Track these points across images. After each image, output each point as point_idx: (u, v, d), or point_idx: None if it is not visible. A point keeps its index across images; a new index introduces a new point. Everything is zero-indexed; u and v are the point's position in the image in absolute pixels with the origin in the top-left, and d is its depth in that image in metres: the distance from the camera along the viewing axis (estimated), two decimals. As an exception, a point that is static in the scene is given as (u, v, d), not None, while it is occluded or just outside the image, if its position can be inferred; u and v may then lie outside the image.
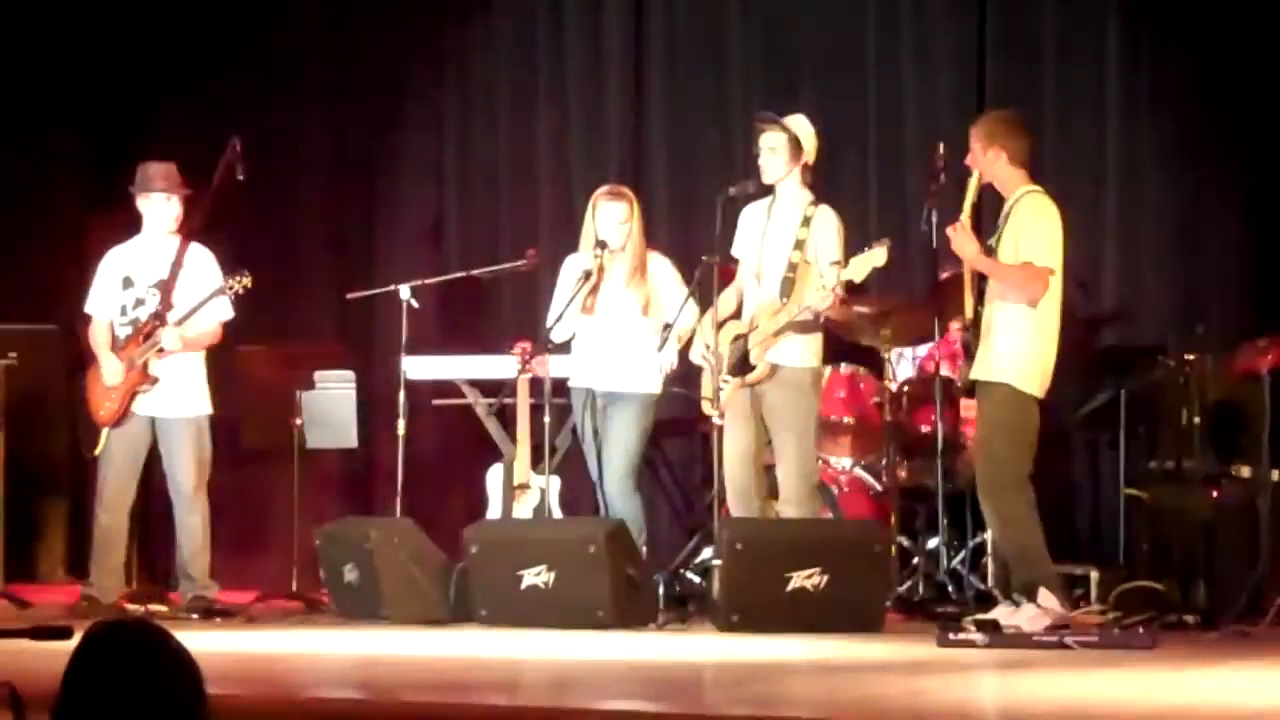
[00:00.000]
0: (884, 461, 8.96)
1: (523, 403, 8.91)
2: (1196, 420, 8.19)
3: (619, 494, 8.57)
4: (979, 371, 7.66)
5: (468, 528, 8.38)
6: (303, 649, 7.47)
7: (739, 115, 9.78)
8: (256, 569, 10.14)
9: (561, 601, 7.87)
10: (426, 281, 9.47)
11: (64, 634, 3.28)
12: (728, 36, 10.25)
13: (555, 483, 8.91)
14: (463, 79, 10.93)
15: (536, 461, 8.86)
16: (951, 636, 7.06)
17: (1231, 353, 8.24)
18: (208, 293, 8.65)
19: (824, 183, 8.47)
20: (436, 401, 9.81)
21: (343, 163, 11.10)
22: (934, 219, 8.12)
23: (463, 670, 6.66)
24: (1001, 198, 7.78)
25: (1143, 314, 9.37)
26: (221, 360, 8.99)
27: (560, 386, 8.79)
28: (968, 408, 8.48)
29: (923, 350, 9.32)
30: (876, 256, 7.85)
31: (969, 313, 7.75)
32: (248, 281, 8.66)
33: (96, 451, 8.74)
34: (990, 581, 8.54)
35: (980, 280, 7.72)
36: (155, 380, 8.61)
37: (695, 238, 9.12)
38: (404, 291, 9.16)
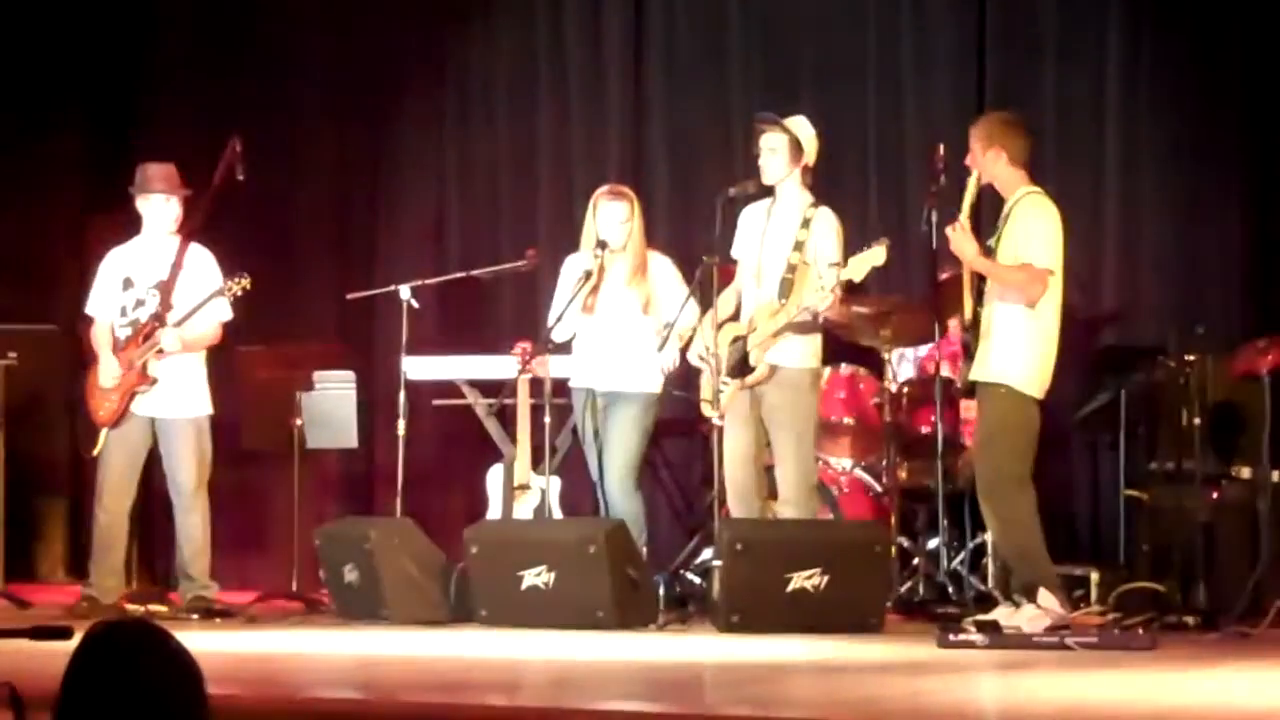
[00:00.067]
0: (884, 462, 8.96)
1: (523, 403, 8.90)
2: (1197, 421, 8.18)
3: (620, 494, 8.57)
4: (978, 372, 7.66)
5: (468, 528, 8.38)
6: (303, 649, 7.47)
7: (739, 115, 9.78)
8: (256, 569, 10.15)
9: (562, 602, 7.87)
10: (427, 282, 9.47)
11: (64, 634, 3.28)
12: (728, 36, 10.25)
13: (555, 483, 8.91)
14: (463, 79, 10.93)
15: (537, 462, 8.85)
16: (952, 637, 7.06)
17: (1231, 353, 8.24)
18: (207, 294, 8.65)
19: (823, 183, 8.47)
20: (437, 402, 9.81)
21: (343, 163, 11.10)
22: (934, 219, 8.11)
23: (463, 671, 6.66)
24: (1001, 198, 7.77)
25: (1142, 314, 9.37)
26: (222, 360, 8.99)
27: (560, 387, 8.79)
28: (968, 408, 8.48)
29: (923, 351, 9.32)
30: (875, 256, 7.85)
31: (968, 314, 7.74)
32: (247, 283, 8.66)
33: (96, 451, 8.74)
34: (990, 582, 8.54)
35: (979, 281, 7.71)
36: (154, 381, 8.61)
37: (695, 238, 9.12)
38: (404, 292, 9.15)
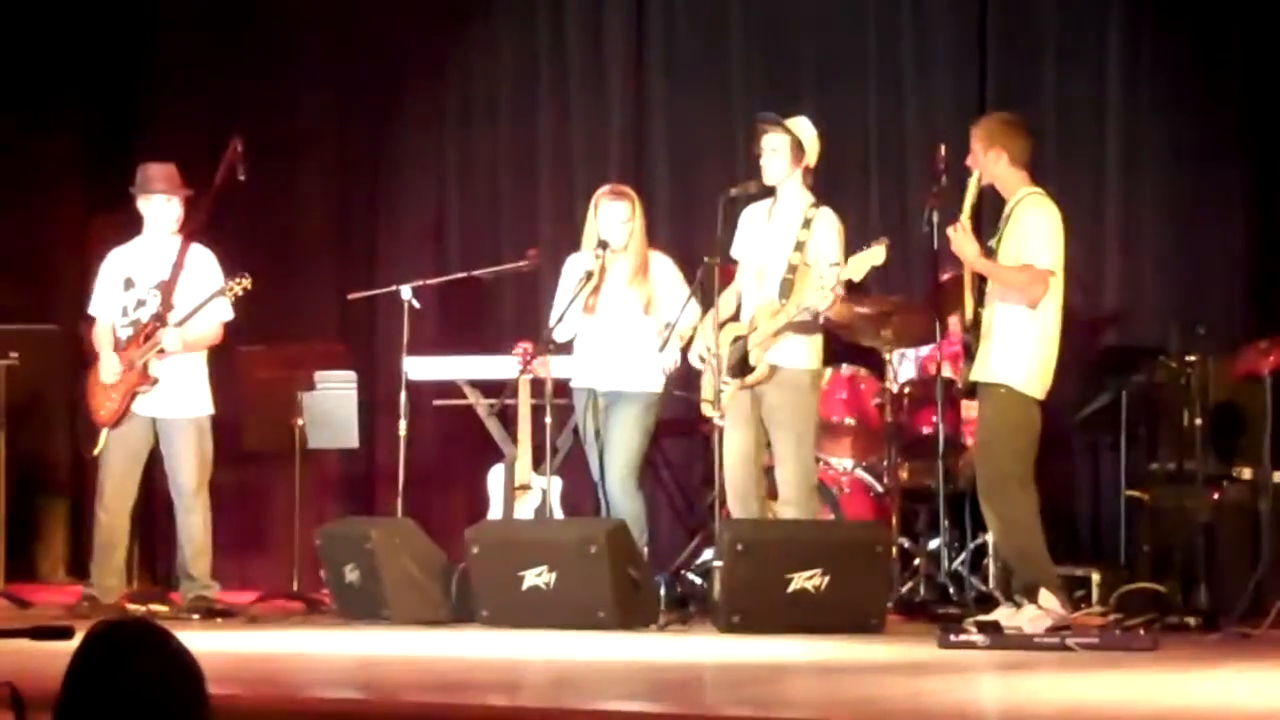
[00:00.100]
0: (885, 463, 8.96)
1: (524, 403, 8.90)
2: (1198, 422, 8.18)
3: (621, 494, 8.58)
4: (979, 373, 7.66)
5: (469, 528, 8.38)
6: (304, 649, 7.47)
7: (740, 115, 9.77)
8: (257, 569, 10.16)
9: (563, 602, 7.87)
10: (428, 282, 9.47)
11: (65, 634, 3.27)
12: (729, 36, 10.25)
13: (556, 483, 8.91)
14: (464, 79, 10.93)
15: (538, 462, 8.85)
16: (952, 638, 7.06)
17: (1233, 354, 8.24)
18: (208, 293, 8.65)
19: (824, 183, 8.47)
20: (438, 402, 9.81)
21: (344, 163, 11.11)
22: (935, 220, 8.10)
23: (464, 671, 6.66)
24: (1002, 199, 7.77)
25: (1144, 315, 9.36)
26: (223, 360, 9.00)
27: (561, 387, 8.79)
28: (969, 409, 8.47)
29: (924, 351, 9.31)
30: (875, 255, 7.85)
31: (969, 314, 7.74)
32: (248, 283, 8.66)
33: (96, 451, 8.74)
34: (991, 583, 8.54)
35: (980, 281, 7.71)
36: (155, 381, 8.61)
37: (696, 238, 9.12)
38: (405, 292, 9.16)
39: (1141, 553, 8.51)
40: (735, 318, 8.24)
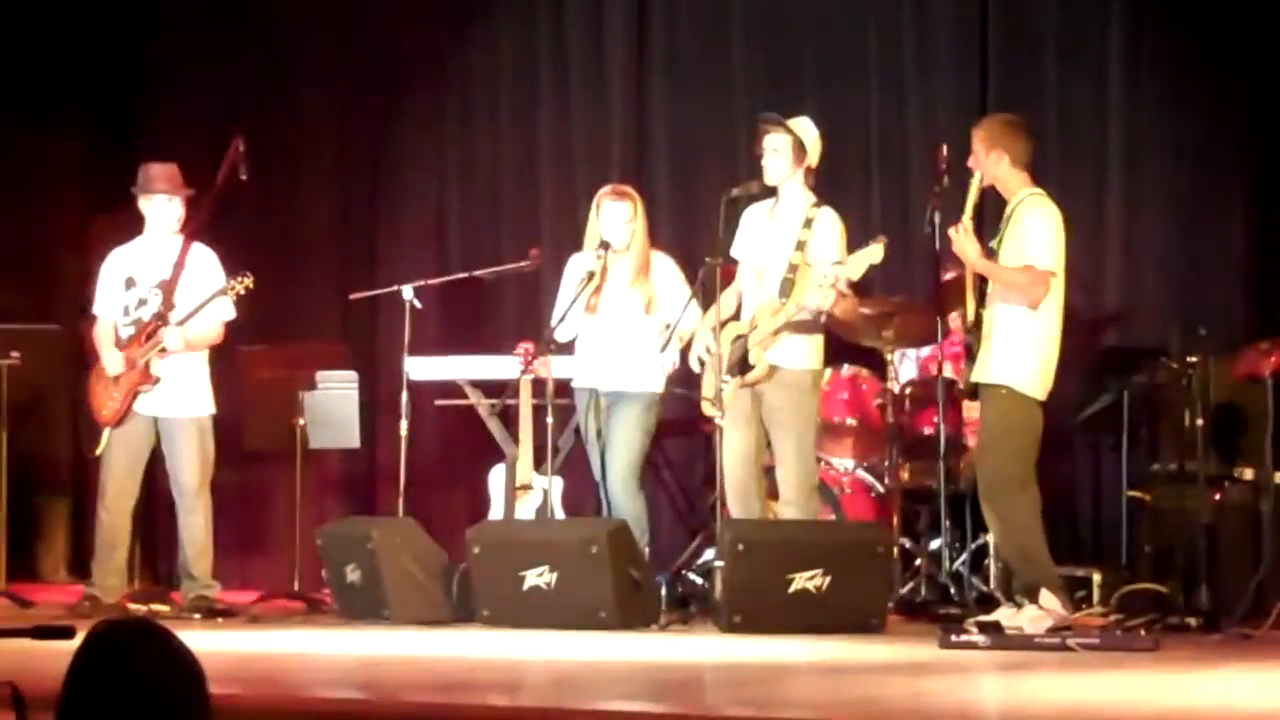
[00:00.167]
0: (886, 463, 8.96)
1: (525, 403, 8.90)
2: (1199, 422, 8.17)
3: (622, 494, 8.58)
4: (980, 374, 7.66)
5: (470, 528, 8.38)
6: (305, 649, 7.47)
7: (741, 115, 9.78)
8: (259, 569, 10.16)
9: (564, 602, 7.87)
10: (429, 282, 9.47)
11: (66, 634, 3.27)
12: (730, 36, 10.24)
13: (558, 483, 8.91)
14: (464, 78, 10.93)
15: (539, 462, 8.85)
16: (953, 638, 7.06)
17: (1234, 355, 8.23)
18: (210, 293, 8.65)
19: (826, 183, 8.47)
20: (439, 402, 9.81)
21: (345, 163, 11.11)
22: (936, 220, 8.10)
23: (465, 671, 6.66)
24: (1003, 200, 7.77)
25: (1145, 315, 9.36)
26: (224, 360, 9.00)
27: (563, 387, 8.79)
28: (970, 409, 8.48)
29: (925, 351, 9.31)
30: (874, 253, 7.85)
31: (970, 315, 7.74)
32: (249, 283, 8.67)
33: (98, 451, 8.75)
34: (992, 583, 8.54)
35: (982, 282, 7.71)
36: (157, 380, 8.61)
37: (698, 238, 9.12)
38: (407, 292, 9.15)
39: (1143, 553, 8.51)
40: (736, 317, 8.24)
